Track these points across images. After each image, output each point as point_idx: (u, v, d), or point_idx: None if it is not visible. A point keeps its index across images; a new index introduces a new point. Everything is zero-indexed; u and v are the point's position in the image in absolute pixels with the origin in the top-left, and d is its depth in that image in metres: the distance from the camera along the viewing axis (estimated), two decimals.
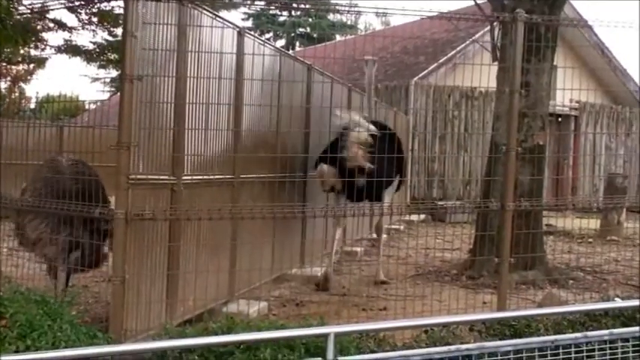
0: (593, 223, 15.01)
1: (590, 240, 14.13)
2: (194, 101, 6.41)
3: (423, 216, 16.69)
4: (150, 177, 5.77)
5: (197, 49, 6.46)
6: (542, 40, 9.01)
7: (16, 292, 4.67)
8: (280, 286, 8.90)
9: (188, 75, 6.26)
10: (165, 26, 5.98)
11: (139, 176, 5.55)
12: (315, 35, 42.24)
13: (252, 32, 8.36)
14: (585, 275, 10.06)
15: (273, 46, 9.12)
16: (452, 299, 7.74)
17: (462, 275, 9.89)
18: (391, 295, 8.55)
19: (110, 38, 16.95)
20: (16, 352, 4.06)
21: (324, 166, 9.11)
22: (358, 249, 12.10)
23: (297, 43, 43.12)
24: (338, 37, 41.69)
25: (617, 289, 9.07)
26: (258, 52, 7.83)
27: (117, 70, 38.47)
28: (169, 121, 6.09)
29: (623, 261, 11.06)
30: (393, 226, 15.38)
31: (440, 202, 16.07)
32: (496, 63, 10.00)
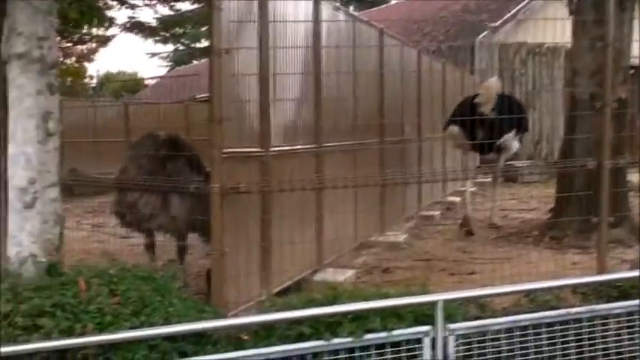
0: None
1: None
2: (276, 72, 6.36)
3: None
4: (241, 150, 5.76)
5: (277, 19, 6.39)
6: None
7: (122, 269, 4.71)
8: (363, 253, 8.87)
9: (270, 45, 6.20)
10: None
11: (230, 150, 5.54)
12: None
13: None
14: None
15: (347, 11, 8.99)
16: (541, 261, 7.63)
17: (545, 236, 9.71)
18: (477, 259, 8.47)
19: (171, 13, 17.02)
20: (132, 328, 4.10)
21: (454, 128, 10.67)
22: (436, 213, 11.99)
23: (352, 8, 42.72)
24: (393, 0, 41.18)
25: None
26: (333, 19, 7.75)
27: (174, 45, 38.84)
28: (255, 92, 6.05)
29: None
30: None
31: (514, 163, 15.89)
32: (570, 16, 9.74)
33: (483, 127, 10.15)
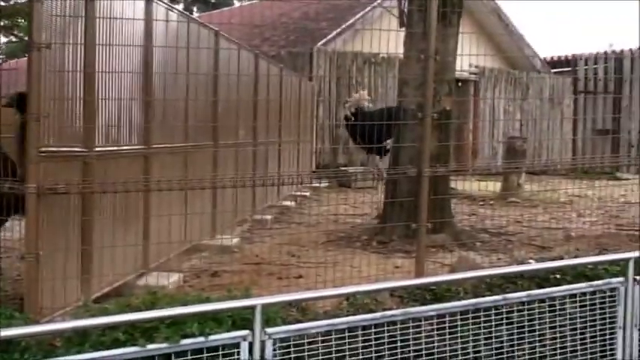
0: (493, 186, 15.41)
1: (492, 202, 14.50)
2: (104, 70, 6.19)
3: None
4: (61, 149, 5.56)
5: (105, 16, 6.22)
6: (449, 5, 9.14)
7: None
8: (193, 256, 8.78)
9: (97, 42, 6.03)
10: None
11: (49, 148, 5.33)
12: (213, 0, 41.53)
13: None
14: (491, 237, 10.32)
15: (180, 12, 8.88)
16: (365, 265, 7.82)
17: (373, 241, 9.98)
18: (305, 263, 8.56)
19: (2, 3, 16.19)
20: None
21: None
22: (268, 217, 12.05)
23: (195, 9, 42.32)
24: (237, 3, 41.18)
25: (522, 250, 9.36)
26: (166, 19, 7.63)
27: (6, 37, 37.05)
28: (79, 90, 5.85)
29: (525, 222, 11.41)
30: (300, 193, 15.42)
31: (347, 169, 16.28)
32: (401, 28, 10.07)
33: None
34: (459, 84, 22.18)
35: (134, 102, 6.96)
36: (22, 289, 6.32)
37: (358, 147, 16.13)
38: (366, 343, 4.67)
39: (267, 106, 12.58)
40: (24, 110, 6.45)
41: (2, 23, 17.63)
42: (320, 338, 4.60)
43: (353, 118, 15.40)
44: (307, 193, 15.55)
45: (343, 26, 20.86)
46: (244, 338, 4.33)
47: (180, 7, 41.43)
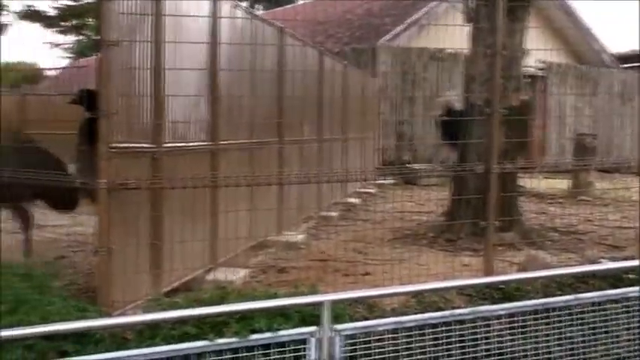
0: (562, 183, 15.11)
1: (561, 200, 14.22)
2: (172, 67, 6.25)
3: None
4: (130, 145, 5.63)
5: (173, 13, 6.28)
6: (516, 0, 8.99)
7: None
8: (260, 252, 8.82)
9: (165, 40, 6.09)
10: None
11: (119, 144, 5.41)
12: None
13: None
14: (561, 236, 10.11)
15: (246, 8, 8.92)
16: (433, 263, 7.74)
17: (440, 238, 9.87)
18: (371, 260, 8.51)
19: (72, 3, 16.57)
20: (6, 327, 3.93)
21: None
22: (334, 213, 12.04)
23: (260, 7, 42.56)
24: (300, 0, 41.25)
25: (594, 249, 9.14)
26: (231, 16, 7.68)
27: (76, 36, 37.92)
28: (148, 87, 5.93)
29: (596, 220, 11.15)
30: (366, 190, 15.38)
31: (412, 165, 16.16)
32: (467, 24, 9.93)
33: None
34: (527, 80, 21.81)
35: (201, 99, 7.01)
36: (95, 282, 6.47)
37: (449, 144, 16.21)
38: (435, 342, 4.61)
39: (332, 102, 12.57)
40: (91, 107, 6.58)
41: (72, 23, 18.03)
42: (387, 335, 4.56)
43: (444, 118, 15.82)
44: (372, 190, 15.49)
45: (408, 21, 20.70)
46: (312, 334, 4.31)
47: (245, 4, 41.79)
